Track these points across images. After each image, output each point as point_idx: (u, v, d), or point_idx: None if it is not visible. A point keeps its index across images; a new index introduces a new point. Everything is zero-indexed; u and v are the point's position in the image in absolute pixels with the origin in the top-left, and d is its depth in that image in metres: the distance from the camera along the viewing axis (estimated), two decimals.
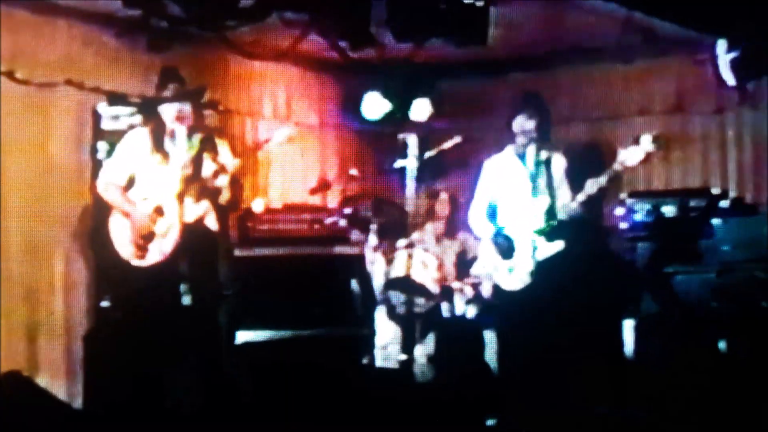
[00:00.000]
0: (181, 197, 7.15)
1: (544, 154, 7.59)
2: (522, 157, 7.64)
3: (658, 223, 8.28)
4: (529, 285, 7.48)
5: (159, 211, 7.12)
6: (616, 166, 7.25)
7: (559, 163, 7.64)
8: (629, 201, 8.42)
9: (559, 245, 7.44)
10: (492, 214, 7.79)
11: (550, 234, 7.44)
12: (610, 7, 7.98)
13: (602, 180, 7.27)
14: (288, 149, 9.15)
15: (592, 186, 7.28)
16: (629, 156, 7.22)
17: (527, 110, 7.61)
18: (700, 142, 9.43)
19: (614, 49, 9.34)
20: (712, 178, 9.26)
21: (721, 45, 7.95)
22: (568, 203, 7.41)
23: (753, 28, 7.77)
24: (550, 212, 7.47)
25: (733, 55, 7.90)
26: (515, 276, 7.54)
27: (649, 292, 7.89)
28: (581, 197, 7.33)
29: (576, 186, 7.45)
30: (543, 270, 7.45)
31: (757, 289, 7.33)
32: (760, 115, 9.09)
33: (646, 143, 7.19)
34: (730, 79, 8.01)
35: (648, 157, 7.25)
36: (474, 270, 8.56)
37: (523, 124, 7.59)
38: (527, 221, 7.51)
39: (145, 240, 7.08)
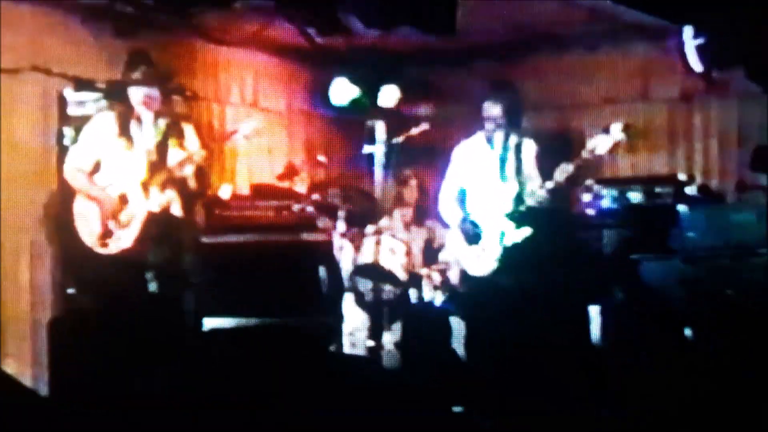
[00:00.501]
0: (146, 183, 7.12)
1: (513, 140, 7.60)
2: (491, 142, 7.66)
3: (625, 210, 8.31)
4: (496, 271, 7.50)
5: (124, 198, 7.08)
6: (585, 154, 7.27)
7: (530, 149, 7.65)
8: (596, 188, 8.43)
9: (526, 231, 7.46)
10: (461, 200, 7.79)
11: (518, 220, 7.46)
12: None
13: (570, 167, 7.29)
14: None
15: (560, 173, 7.30)
16: (598, 144, 7.24)
17: (495, 96, 7.62)
18: (666, 129, 9.48)
19: (580, 37, 9.38)
20: (679, 165, 9.31)
21: (688, 32, 7.96)
22: (536, 190, 7.43)
23: (719, 14, 7.79)
24: (519, 198, 7.49)
25: (699, 41, 7.92)
26: (483, 261, 7.56)
27: (615, 279, 7.92)
28: (550, 184, 7.34)
29: (544, 173, 7.47)
30: (510, 256, 7.46)
31: (722, 277, 7.38)
32: (726, 102, 9.16)
33: (616, 132, 7.21)
34: (696, 66, 8.03)
35: (616, 145, 7.27)
36: (442, 256, 8.57)
37: (490, 109, 7.60)
38: (496, 207, 7.52)
39: (110, 227, 7.05)
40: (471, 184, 7.75)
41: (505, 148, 7.61)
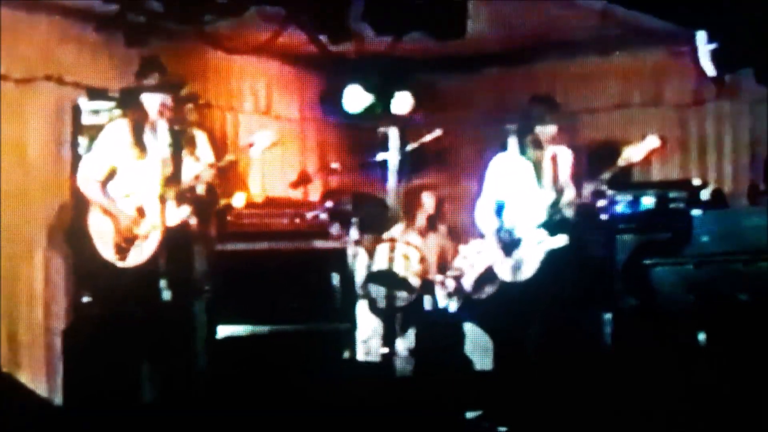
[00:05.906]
0: (162, 196, 7.10)
1: (550, 151, 7.55)
2: (526, 154, 7.58)
3: (638, 215, 8.30)
4: (530, 278, 7.44)
5: (141, 212, 7.06)
6: (621, 162, 7.24)
7: (566, 158, 7.61)
8: (609, 192, 8.40)
9: (563, 239, 7.40)
10: (499, 211, 7.69)
11: (554, 228, 7.41)
12: (589, 1, 8.00)
13: (606, 175, 7.27)
14: None
15: (596, 181, 7.29)
16: (634, 152, 7.21)
17: (547, 115, 7.54)
18: (679, 134, 9.46)
19: (593, 42, 9.37)
20: (692, 170, 9.29)
21: (702, 36, 7.95)
22: (572, 199, 7.39)
23: (732, 18, 7.78)
24: (555, 207, 7.43)
25: (713, 46, 7.91)
26: (519, 269, 7.49)
27: (628, 284, 7.90)
28: (586, 192, 7.33)
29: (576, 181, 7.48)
30: (545, 263, 7.42)
31: (736, 281, 7.36)
32: (738, 107, 9.14)
33: (651, 140, 7.20)
34: (710, 71, 8.02)
35: (651, 153, 7.25)
36: (456, 263, 8.56)
37: (547, 131, 7.54)
38: (533, 216, 7.45)
39: (127, 242, 7.03)
40: (508, 196, 7.65)
41: (541, 158, 7.56)
